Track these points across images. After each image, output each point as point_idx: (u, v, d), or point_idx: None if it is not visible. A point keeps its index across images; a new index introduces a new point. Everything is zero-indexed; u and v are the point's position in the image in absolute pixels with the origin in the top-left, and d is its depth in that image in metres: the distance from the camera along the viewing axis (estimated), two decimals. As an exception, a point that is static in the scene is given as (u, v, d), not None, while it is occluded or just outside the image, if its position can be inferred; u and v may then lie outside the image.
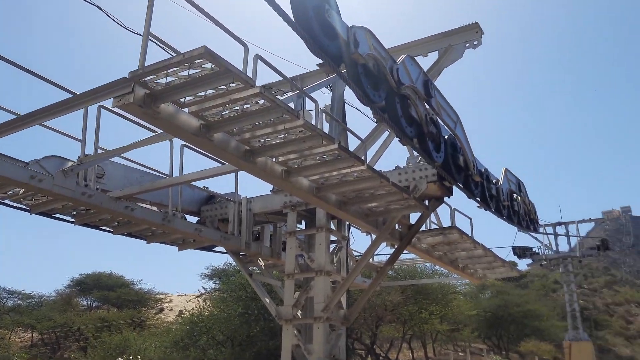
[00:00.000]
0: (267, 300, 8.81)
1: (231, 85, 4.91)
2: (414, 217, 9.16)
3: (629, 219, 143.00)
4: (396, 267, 26.42)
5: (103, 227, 8.60)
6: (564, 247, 43.29)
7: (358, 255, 11.08)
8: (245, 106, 5.22)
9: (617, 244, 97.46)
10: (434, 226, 10.68)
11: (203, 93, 5.07)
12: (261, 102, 5.13)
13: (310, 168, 6.50)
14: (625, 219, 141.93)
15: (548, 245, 41.86)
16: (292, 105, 7.95)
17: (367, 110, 6.61)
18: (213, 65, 4.62)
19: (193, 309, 24.90)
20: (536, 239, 39.96)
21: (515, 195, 12.54)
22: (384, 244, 9.95)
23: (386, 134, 9.68)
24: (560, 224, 42.08)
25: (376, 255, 12.70)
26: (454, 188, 8.58)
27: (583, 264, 48.28)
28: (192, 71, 4.77)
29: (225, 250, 9.60)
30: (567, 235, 41.60)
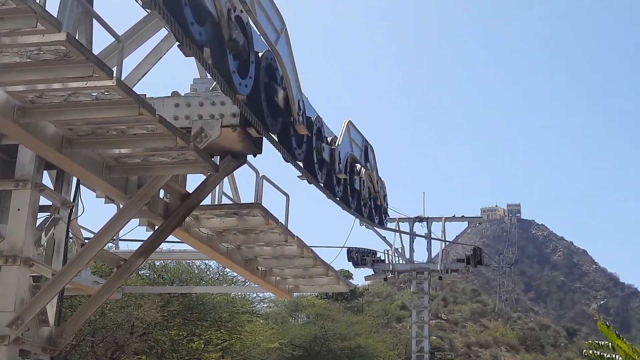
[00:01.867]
0: None
1: None
2: (192, 184, 9.30)
3: (515, 223, 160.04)
4: (158, 263, 26.60)
5: None
6: (421, 255, 47.70)
7: (89, 237, 10.89)
8: None
9: (494, 258, 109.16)
10: (226, 201, 10.89)
11: None
12: None
13: (10, 71, 6.20)
14: (511, 222, 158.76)
15: (399, 249, 45.47)
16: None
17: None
18: None
19: None
20: (384, 238, 43.22)
21: (358, 166, 13.33)
22: (136, 221, 9.88)
23: (163, 33, 9.53)
24: (420, 219, 45.84)
25: (122, 240, 12.65)
26: (265, 141, 8.81)
27: (444, 283, 53.42)
28: None
29: None
30: (428, 237, 45.66)
